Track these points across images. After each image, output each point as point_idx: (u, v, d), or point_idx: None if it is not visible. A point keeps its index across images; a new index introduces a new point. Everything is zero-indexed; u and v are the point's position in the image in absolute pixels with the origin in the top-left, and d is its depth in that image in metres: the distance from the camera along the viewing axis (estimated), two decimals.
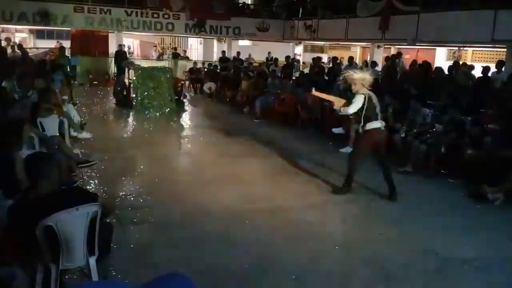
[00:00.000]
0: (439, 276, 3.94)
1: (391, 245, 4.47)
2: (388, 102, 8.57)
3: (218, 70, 16.25)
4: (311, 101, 10.12)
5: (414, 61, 13.20)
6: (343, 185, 5.92)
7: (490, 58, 16.70)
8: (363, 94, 5.39)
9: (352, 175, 5.85)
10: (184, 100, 13.29)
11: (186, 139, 9.23)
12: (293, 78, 14.25)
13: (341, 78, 5.66)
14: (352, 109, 5.40)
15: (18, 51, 16.87)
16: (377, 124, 5.45)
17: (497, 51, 15.54)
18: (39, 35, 23.42)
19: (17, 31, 21.43)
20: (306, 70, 15.89)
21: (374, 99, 5.41)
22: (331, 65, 15.69)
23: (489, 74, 10.75)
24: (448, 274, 3.98)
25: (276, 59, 17.00)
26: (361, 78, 5.41)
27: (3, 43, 16.28)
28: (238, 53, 18.64)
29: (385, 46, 17.39)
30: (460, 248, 4.48)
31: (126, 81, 12.97)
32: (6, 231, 2.91)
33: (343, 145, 8.28)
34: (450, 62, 14.99)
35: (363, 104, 5.34)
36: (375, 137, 5.50)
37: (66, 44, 18.47)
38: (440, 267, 4.08)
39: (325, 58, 20.79)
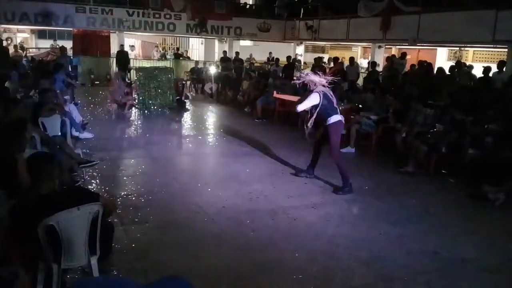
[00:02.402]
0: (439, 276, 3.94)
1: (392, 245, 4.48)
2: (389, 102, 8.59)
3: (219, 71, 16.28)
4: None
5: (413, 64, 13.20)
6: (343, 185, 5.97)
7: (491, 58, 16.69)
8: (317, 92, 5.67)
9: (346, 172, 5.93)
10: (186, 100, 13.31)
11: (187, 139, 9.25)
12: (294, 78, 14.26)
13: (298, 79, 6.01)
14: (305, 105, 5.75)
15: (20, 51, 16.96)
16: (337, 117, 5.78)
17: (498, 51, 15.52)
18: (41, 35, 23.45)
19: (18, 31, 21.46)
20: (307, 71, 15.89)
21: (330, 95, 5.72)
22: (332, 64, 15.70)
23: (490, 74, 10.75)
24: (448, 274, 3.99)
25: (277, 59, 17.02)
26: (316, 79, 5.75)
27: (4, 43, 16.35)
28: (237, 53, 18.68)
29: (386, 46, 17.38)
30: (460, 248, 4.49)
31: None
32: (8, 231, 2.92)
33: (344, 145, 8.29)
34: (451, 62, 15.00)
35: (319, 101, 5.65)
36: (338, 128, 5.85)
37: (67, 44, 18.52)
38: (441, 267, 4.08)
39: (325, 58, 20.77)
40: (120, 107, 10.95)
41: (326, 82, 5.78)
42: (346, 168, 5.95)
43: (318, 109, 5.70)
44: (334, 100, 5.81)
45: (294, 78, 6.16)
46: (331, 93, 5.80)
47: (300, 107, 5.81)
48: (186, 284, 2.29)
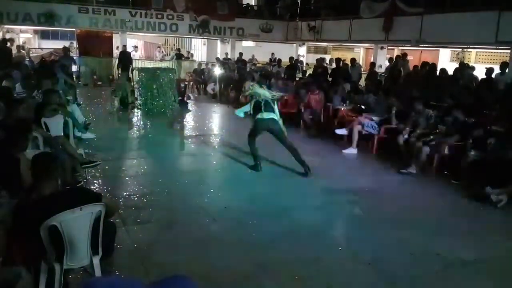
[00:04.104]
0: (441, 278, 3.94)
1: (394, 246, 4.47)
2: (392, 104, 8.58)
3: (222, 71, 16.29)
4: (314, 103, 10.14)
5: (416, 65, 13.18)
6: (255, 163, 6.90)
7: (493, 59, 16.65)
8: (252, 100, 6.87)
9: (255, 153, 6.95)
10: (188, 101, 13.32)
11: (189, 140, 9.25)
12: (297, 79, 14.28)
13: (246, 92, 7.40)
14: (240, 110, 7.28)
15: (23, 51, 16.98)
16: (260, 115, 6.71)
17: (500, 52, 15.49)
18: (44, 35, 23.50)
19: (21, 31, 21.51)
20: (309, 71, 15.90)
21: (264, 102, 6.74)
22: (334, 65, 15.69)
23: (493, 76, 10.72)
24: (450, 276, 3.99)
25: (280, 60, 17.04)
26: (259, 91, 6.87)
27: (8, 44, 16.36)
28: (241, 54, 18.69)
29: (389, 47, 17.35)
30: (462, 250, 4.48)
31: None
32: (10, 231, 2.93)
33: (346, 146, 8.30)
34: (454, 63, 14.97)
35: (250, 107, 6.89)
36: (259, 123, 6.77)
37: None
38: (442, 269, 4.08)
39: (328, 59, 20.74)
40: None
41: (269, 94, 6.89)
42: (254, 149, 6.96)
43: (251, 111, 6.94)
44: (275, 107, 6.85)
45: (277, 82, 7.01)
46: (271, 101, 6.85)
47: (237, 112, 7.40)
48: (190, 282, 2.30)
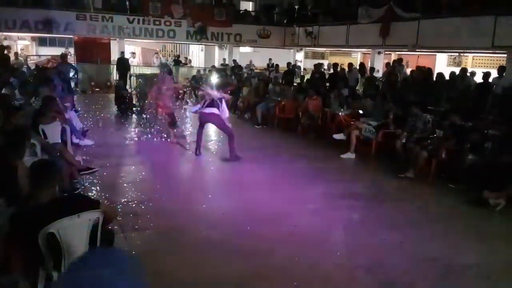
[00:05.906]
0: (440, 282, 3.94)
1: (392, 251, 4.47)
2: (389, 108, 8.60)
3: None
4: (312, 108, 10.16)
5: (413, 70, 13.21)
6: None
7: (490, 63, 16.72)
8: (203, 101, 8.25)
9: (199, 142, 8.14)
10: (185, 107, 13.33)
11: (187, 146, 9.24)
12: (294, 84, 14.31)
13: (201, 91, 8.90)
14: (194, 108, 8.84)
15: (20, 58, 16.99)
16: (202, 110, 8.03)
17: (497, 56, 15.56)
18: (42, 42, 23.53)
19: (19, 38, 21.55)
20: (307, 76, 15.93)
21: (211, 101, 7.90)
22: (331, 71, 15.74)
23: (490, 80, 10.75)
24: (449, 280, 3.98)
25: (277, 66, 17.08)
26: (209, 92, 8.12)
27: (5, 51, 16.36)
28: (235, 60, 18.77)
29: (386, 52, 17.42)
30: (461, 254, 4.48)
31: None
32: (8, 238, 2.92)
33: (344, 151, 8.30)
34: (451, 68, 15.02)
35: (200, 107, 8.24)
36: (201, 117, 8.09)
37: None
38: (442, 273, 4.08)
39: (325, 64, 20.80)
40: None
41: (218, 94, 8.03)
42: (199, 137, 8.12)
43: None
44: (220, 104, 7.90)
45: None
46: (218, 99, 7.93)
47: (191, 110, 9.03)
48: (123, 255, 2.30)
